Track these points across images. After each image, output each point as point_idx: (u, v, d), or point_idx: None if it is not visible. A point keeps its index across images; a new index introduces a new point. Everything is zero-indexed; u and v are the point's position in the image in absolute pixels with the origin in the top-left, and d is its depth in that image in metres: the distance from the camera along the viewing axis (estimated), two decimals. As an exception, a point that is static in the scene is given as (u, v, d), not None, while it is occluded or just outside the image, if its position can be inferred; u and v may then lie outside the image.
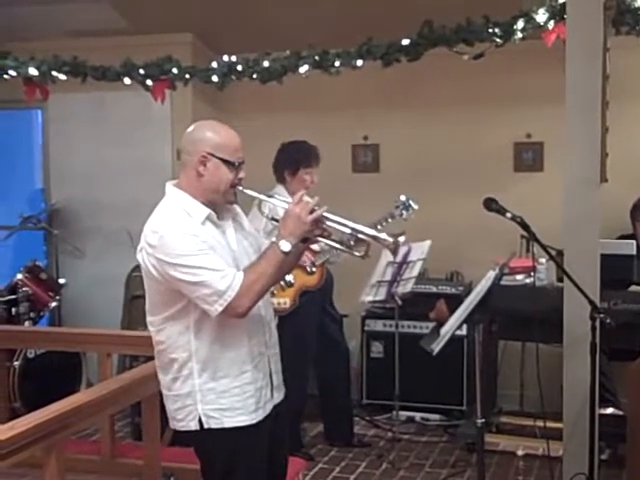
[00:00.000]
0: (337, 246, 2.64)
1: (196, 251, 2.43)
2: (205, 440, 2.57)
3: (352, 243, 2.61)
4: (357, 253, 2.60)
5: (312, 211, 2.49)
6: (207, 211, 2.54)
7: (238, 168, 2.57)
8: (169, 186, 2.62)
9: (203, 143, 2.54)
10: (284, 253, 2.46)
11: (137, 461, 3.95)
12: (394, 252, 2.56)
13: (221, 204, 2.61)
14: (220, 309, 2.42)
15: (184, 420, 2.57)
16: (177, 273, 2.42)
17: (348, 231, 2.57)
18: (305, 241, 2.59)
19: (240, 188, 2.59)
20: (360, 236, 2.56)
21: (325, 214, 2.53)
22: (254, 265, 2.50)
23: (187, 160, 2.57)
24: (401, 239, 2.51)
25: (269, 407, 2.64)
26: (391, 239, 2.51)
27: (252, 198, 2.71)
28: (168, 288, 2.49)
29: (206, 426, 2.53)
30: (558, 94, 3.77)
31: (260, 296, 2.49)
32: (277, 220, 2.61)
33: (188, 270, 2.41)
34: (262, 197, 2.70)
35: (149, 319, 2.62)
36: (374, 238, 2.55)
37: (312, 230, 2.53)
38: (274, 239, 2.51)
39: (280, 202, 2.69)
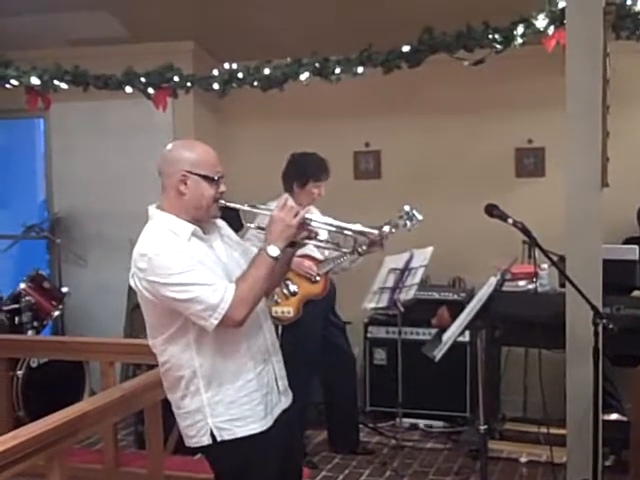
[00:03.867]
0: (325, 246, 2.67)
1: (185, 268, 2.43)
2: (219, 453, 2.57)
3: (346, 246, 2.66)
4: (345, 250, 2.67)
5: (296, 214, 2.51)
6: (192, 227, 2.55)
7: (218, 182, 2.58)
8: (152, 209, 2.62)
9: (181, 162, 2.55)
10: (273, 258, 2.48)
11: (140, 470, 3.95)
12: (381, 244, 2.58)
13: (206, 220, 2.62)
14: (215, 322, 2.43)
15: (196, 436, 2.58)
16: (169, 292, 2.43)
17: (333, 229, 2.60)
18: (293, 245, 2.61)
19: (222, 202, 2.61)
20: (346, 232, 2.59)
21: (308, 215, 2.56)
22: (245, 274, 2.51)
23: (167, 182, 2.58)
24: (385, 229, 2.55)
25: (277, 412, 2.65)
26: (376, 231, 2.54)
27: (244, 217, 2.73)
28: (164, 309, 2.50)
29: (219, 439, 2.54)
30: (559, 99, 3.77)
31: (254, 303, 2.50)
32: (263, 228, 2.61)
33: (179, 288, 2.42)
34: (245, 208, 2.70)
35: (151, 342, 2.63)
36: (360, 233, 2.58)
37: (298, 233, 2.55)
38: (262, 245, 2.53)
39: (264, 211, 2.69)
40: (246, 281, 2.47)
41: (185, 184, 2.54)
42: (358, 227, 2.57)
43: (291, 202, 2.55)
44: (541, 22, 4.14)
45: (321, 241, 2.67)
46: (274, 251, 2.48)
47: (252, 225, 2.86)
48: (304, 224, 2.56)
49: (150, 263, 2.45)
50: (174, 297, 2.43)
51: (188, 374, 2.54)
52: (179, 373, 2.56)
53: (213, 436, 2.54)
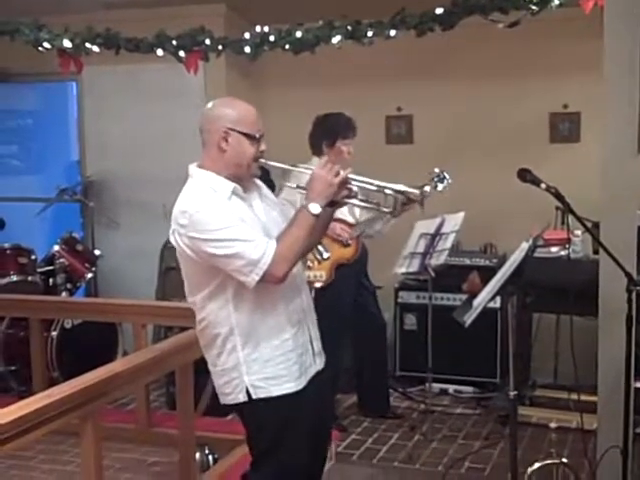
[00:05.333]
0: (364, 205, 2.67)
1: (226, 224, 2.45)
2: (254, 410, 2.61)
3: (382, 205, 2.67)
4: (385, 209, 2.67)
5: (337, 173, 2.52)
6: (232, 185, 2.56)
7: (259, 141, 2.60)
8: (192, 167, 2.64)
9: (223, 119, 2.56)
10: (314, 215, 2.49)
11: (172, 430, 4.01)
12: (421, 203, 2.58)
13: (246, 178, 2.64)
14: (257, 278, 2.44)
15: (232, 393, 2.61)
16: (210, 248, 2.45)
17: (374, 189, 2.61)
18: (333, 205, 2.62)
19: (263, 160, 2.62)
20: (386, 192, 2.59)
21: (350, 175, 2.56)
22: (286, 231, 2.52)
23: (208, 139, 2.59)
24: (427, 188, 2.54)
25: (311, 372, 2.69)
26: (417, 191, 2.54)
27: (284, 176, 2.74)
28: (204, 266, 2.52)
29: (254, 396, 2.58)
30: (595, 63, 3.70)
31: (295, 260, 2.52)
32: (304, 188, 2.62)
33: (221, 244, 2.43)
34: (286, 167, 2.71)
35: (190, 300, 2.66)
36: (400, 192, 2.57)
37: (339, 191, 2.56)
38: (303, 202, 2.53)
39: (304, 170, 2.70)
40: (287, 238, 2.49)
41: (226, 141, 2.55)
42: (400, 187, 2.57)
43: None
44: (579, -17, 4.06)
45: (361, 200, 2.66)
46: (315, 208, 2.49)
47: (292, 184, 2.85)
48: (345, 183, 2.56)
49: (191, 219, 2.47)
50: (215, 253, 2.45)
51: (225, 331, 2.57)
52: (216, 330, 2.59)
53: (249, 394, 2.58)
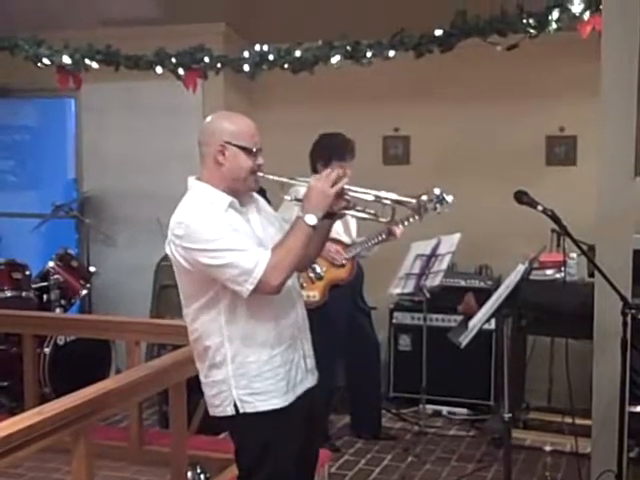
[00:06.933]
0: (363, 215, 2.66)
1: (221, 235, 2.46)
2: (241, 425, 2.61)
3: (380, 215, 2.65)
4: (383, 220, 2.64)
5: (334, 184, 2.53)
6: (229, 199, 2.58)
7: (256, 154, 2.61)
8: (191, 180, 2.66)
9: (220, 133, 2.58)
10: (310, 227, 2.49)
11: (164, 449, 3.98)
12: (419, 212, 2.58)
13: (244, 191, 2.64)
14: (251, 287, 2.44)
15: (221, 406, 2.61)
16: (204, 259, 2.46)
17: (371, 199, 2.60)
18: (331, 217, 2.63)
19: (260, 174, 2.62)
20: (384, 202, 2.59)
21: (347, 186, 2.57)
22: (281, 241, 2.53)
23: (206, 152, 2.61)
24: (423, 198, 2.54)
25: (300, 390, 2.67)
26: (413, 200, 2.55)
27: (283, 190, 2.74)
28: (199, 277, 2.53)
29: (241, 410, 2.57)
30: (593, 87, 3.72)
31: (290, 270, 2.51)
32: (301, 200, 2.61)
33: (214, 254, 2.44)
34: (284, 180, 2.70)
35: (184, 312, 2.67)
36: (398, 202, 2.58)
37: (336, 202, 2.56)
38: (300, 214, 2.54)
39: (302, 182, 2.69)
40: (282, 248, 2.49)
41: (223, 154, 2.56)
42: (395, 196, 2.57)
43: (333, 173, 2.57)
44: (577, 7, 4.09)
45: (359, 211, 2.66)
46: (311, 219, 2.49)
47: (288, 197, 2.85)
48: (342, 194, 2.57)
49: (187, 230, 2.49)
50: (210, 263, 2.46)
51: (216, 344, 2.58)
52: (207, 342, 2.59)
53: (236, 407, 2.58)
